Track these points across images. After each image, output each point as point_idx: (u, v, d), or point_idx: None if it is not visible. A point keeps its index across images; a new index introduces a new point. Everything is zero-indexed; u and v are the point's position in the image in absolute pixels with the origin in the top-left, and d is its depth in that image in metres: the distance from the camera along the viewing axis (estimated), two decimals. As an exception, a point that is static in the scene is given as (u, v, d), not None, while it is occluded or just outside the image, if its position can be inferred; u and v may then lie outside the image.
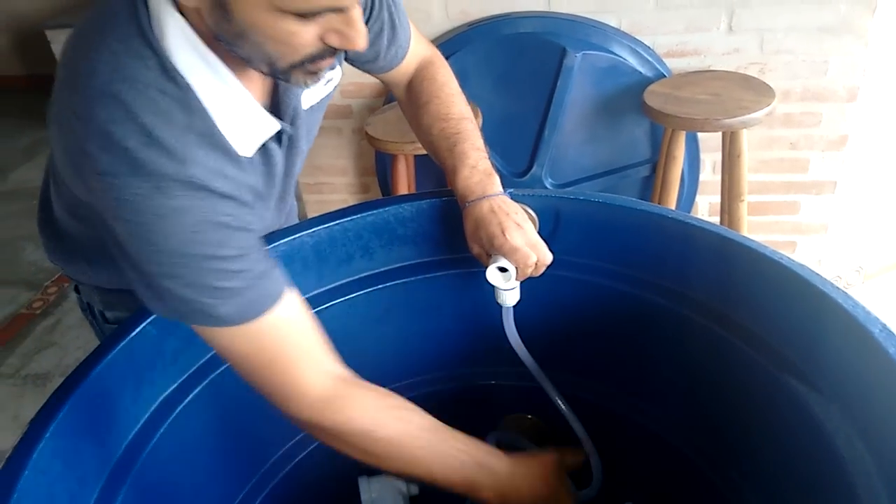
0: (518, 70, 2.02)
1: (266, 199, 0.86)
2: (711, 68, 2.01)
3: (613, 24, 1.98)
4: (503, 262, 0.89)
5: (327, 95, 0.91)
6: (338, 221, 0.98)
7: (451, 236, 0.99)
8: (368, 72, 1.01)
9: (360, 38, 0.66)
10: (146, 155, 0.63)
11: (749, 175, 1.86)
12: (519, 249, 0.86)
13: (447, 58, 2.01)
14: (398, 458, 0.79)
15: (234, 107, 0.71)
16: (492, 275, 0.91)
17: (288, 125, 0.80)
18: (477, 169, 0.92)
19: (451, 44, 2.06)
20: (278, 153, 0.82)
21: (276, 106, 0.80)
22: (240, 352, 0.73)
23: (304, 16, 0.62)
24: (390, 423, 0.78)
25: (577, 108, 2.02)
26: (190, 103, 0.67)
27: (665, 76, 1.98)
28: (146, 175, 0.63)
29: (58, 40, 3.61)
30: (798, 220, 2.26)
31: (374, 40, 0.93)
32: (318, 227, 0.97)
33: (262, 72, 0.70)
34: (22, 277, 2.79)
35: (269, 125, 0.77)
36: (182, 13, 0.66)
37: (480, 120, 1.86)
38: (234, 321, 0.70)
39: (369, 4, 0.89)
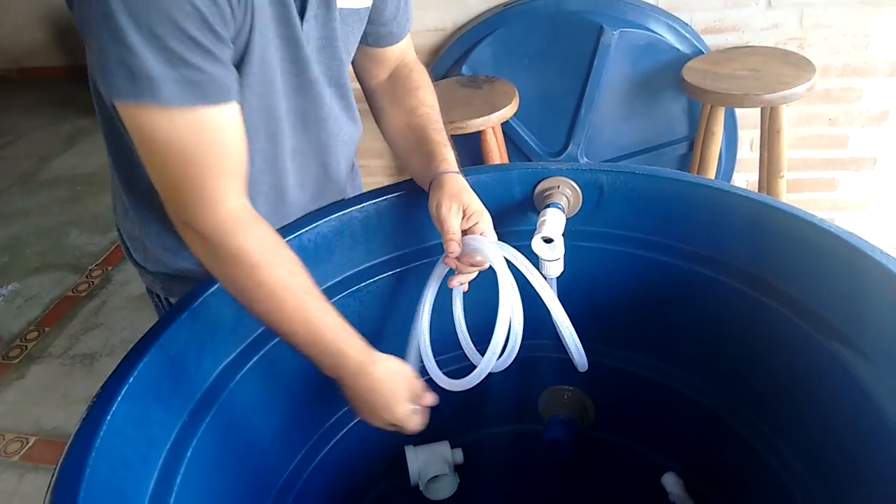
0: (554, 49, 2.02)
1: (295, 58, 0.85)
2: (750, 44, 1.99)
3: (651, 0, 1.97)
4: (548, 232, 0.90)
5: (362, 10, 0.93)
6: (385, 197, 1.01)
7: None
8: (373, 39, 1.01)
9: None
10: None
11: (788, 151, 1.85)
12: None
13: (483, 39, 2.05)
14: (269, 305, 0.80)
15: None
16: (537, 245, 0.92)
17: None
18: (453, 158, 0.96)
19: (488, 24, 2.07)
20: (297, 23, 0.82)
21: None
22: (169, 139, 0.72)
23: None
24: (279, 269, 0.79)
25: (613, 87, 2.02)
26: None
27: (703, 53, 1.96)
28: None
29: (96, 29, 3.68)
30: (837, 196, 2.23)
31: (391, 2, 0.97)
32: (367, 203, 1.00)
33: None
34: (67, 261, 2.87)
35: None
36: None
37: (517, 99, 1.87)
38: (176, 99, 0.69)
39: None
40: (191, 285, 0.89)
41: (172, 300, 1.05)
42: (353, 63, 1.04)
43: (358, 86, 1.07)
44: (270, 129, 0.87)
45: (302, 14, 0.83)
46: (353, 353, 0.83)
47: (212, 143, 0.74)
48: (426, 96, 1.04)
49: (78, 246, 2.96)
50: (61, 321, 2.54)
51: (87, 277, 2.76)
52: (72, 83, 4.68)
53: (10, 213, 3.23)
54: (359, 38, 0.97)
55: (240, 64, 0.78)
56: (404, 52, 1.08)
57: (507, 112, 1.84)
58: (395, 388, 0.86)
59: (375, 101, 1.08)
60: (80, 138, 3.87)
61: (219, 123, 0.73)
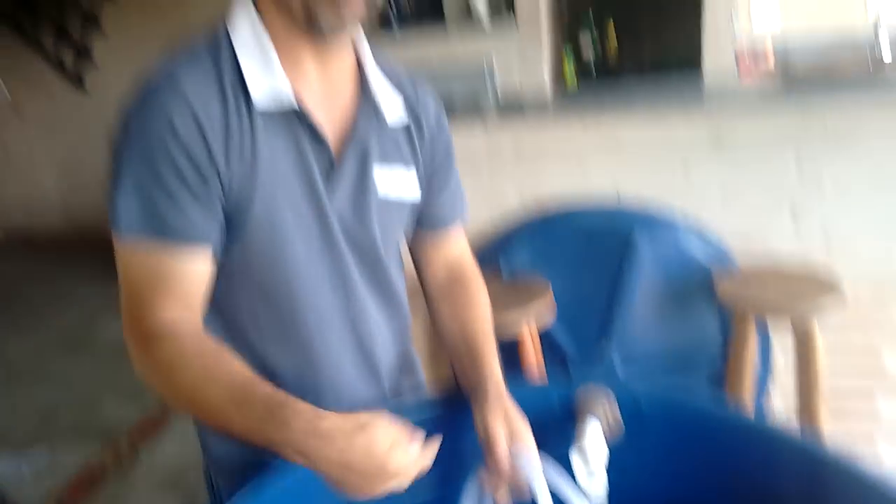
0: (588, 254, 2.10)
1: (321, 219, 0.89)
2: (778, 257, 2.04)
3: (679, 212, 2.07)
4: (586, 444, 0.89)
5: (407, 201, 0.98)
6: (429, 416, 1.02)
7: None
8: (427, 221, 1.05)
9: None
10: (161, 66, 0.83)
11: (825, 376, 1.80)
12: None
13: (520, 240, 2.15)
14: (195, 397, 0.78)
15: (261, 65, 0.84)
16: (575, 458, 0.91)
17: (314, 123, 0.86)
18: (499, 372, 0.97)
19: (524, 226, 2.18)
20: (319, 181, 0.87)
21: (349, 134, 0.90)
22: (120, 267, 0.82)
23: None
24: (196, 362, 0.79)
25: (645, 294, 2.07)
26: (219, 49, 0.84)
27: (732, 265, 2.02)
28: (152, 76, 0.82)
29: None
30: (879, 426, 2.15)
31: (439, 187, 1.03)
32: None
33: (297, 16, 0.81)
34: (98, 431, 2.86)
35: (282, 85, 0.83)
36: (255, 5, 0.86)
37: (552, 299, 1.92)
38: (123, 224, 0.79)
39: (443, 161, 1.02)
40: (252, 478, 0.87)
41: (225, 490, 1.02)
42: (413, 261, 1.08)
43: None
44: (288, 291, 0.89)
45: (330, 184, 0.88)
46: (302, 406, 0.72)
47: (163, 275, 0.80)
48: (482, 310, 1.05)
49: (111, 416, 2.96)
50: (86, 497, 2.48)
51: (115, 451, 2.74)
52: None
53: (51, 375, 3.29)
54: (403, 225, 1.01)
55: (241, 220, 0.84)
56: (461, 253, 1.10)
57: (543, 312, 1.88)
58: (375, 430, 0.71)
59: (431, 301, 1.09)
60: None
61: (175, 260, 0.80)
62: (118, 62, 4.65)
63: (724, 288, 1.84)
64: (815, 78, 2.10)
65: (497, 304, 1.86)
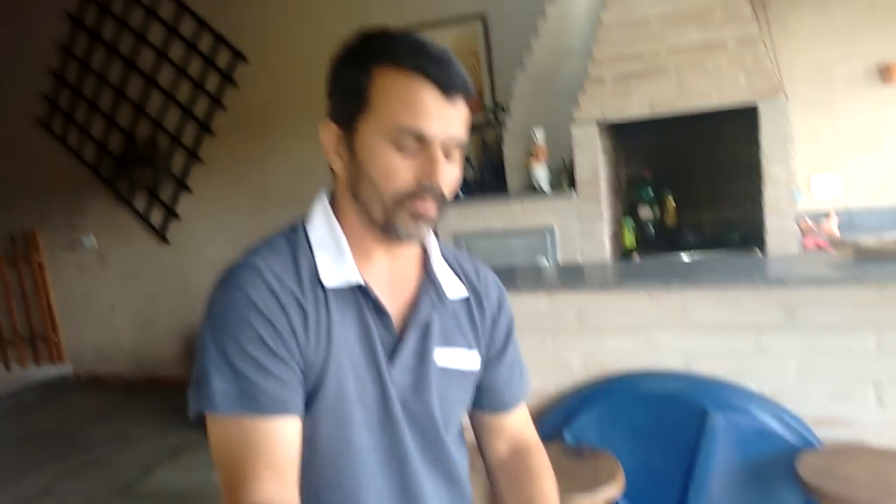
0: (658, 427, 2.04)
1: (382, 399, 0.92)
2: (864, 440, 1.94)
3: (754, 388, 2.01)
4: None
5: (467, 372, 1.01)
6: None
7: None
8: (487, 404, 1.08)
9: (439, 174, 0.86)
10: (243, 259, 0.90)
11: None
12: None
13: (585, 408, 2.11)
14: None
15: (333, 247, 0.92)
16: None
17: (380, 302, 0.92)
18: None
19: (588, 396, 2.15)
20: (382, 356, 0.92)
21: (412, 313, 0.96)
22: (214, 445, 0.84)
23: (399, 146, 0.85)
24: None
25: (723, 473, 1.97)
26: (298, 243, 0.92)
27: (814, 445, 1.93)
28: (235, 266, 0.89)
29: (224, 352, 4.05)
30: None
31: (502, 372, 1.06)
32: None
33: (377, 222, 0.90)
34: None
35: (352, 273, 0.91)
36: (332, 200, 0.96)
37: (623, 477, 1.85)
38: (221, 406, 0.82)
39: (501, 342, 1.07)
40: None
41: None
42: (475, 436, 1.10)
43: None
44: (349, 461, 0.91)
45: (391, 357, 0.93)
46: None
47: (257, 446, 0.82)
48: (545, 485, 1.04)
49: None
50: None
51: None
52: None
53: (102, 524, 3.27)
54: (464, 400, 1.02)
55: (315, 389, 0.87)
56: (522, 427, 1.11)
57: (613, 491, 1.81)
58: None
59: (493, 477, 1.09)
60: (185, 450, 4.02)
61: (268, 431, 0.83)
62: (198, 216, 4.99)
63: (807, 470, 1.75)
64: (887, 251, 2.09)
65: (563, 482, 1.82)
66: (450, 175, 0.89)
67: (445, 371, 0.97)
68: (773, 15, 3.32)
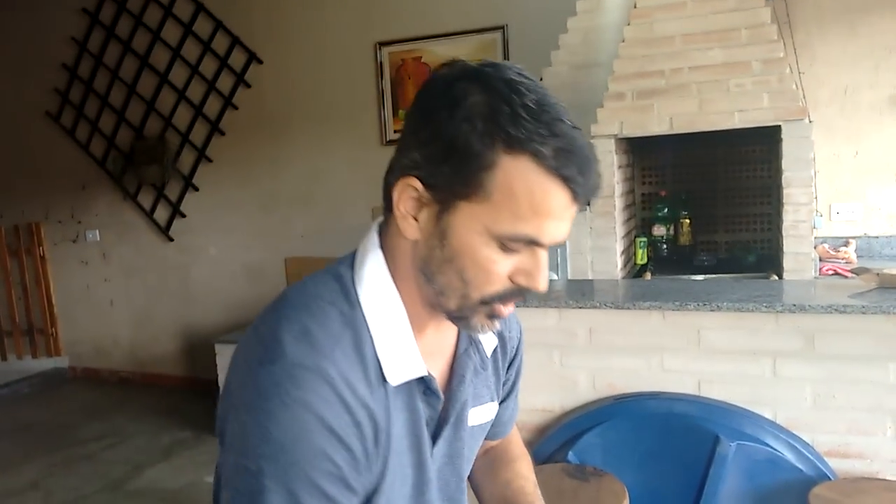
0: (667, 450, 1.97)
1: (420, 481, 0.84)
2: (880, 474, 1.87)
3: (768, 415, 1.95)
4: None
5: (487, 423, 0.97)
6: None
7: None
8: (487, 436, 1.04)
9: (542, 280, 0.74)
10: (294, 348, 0.71)
11: None
12: None
13: (591, 428, 2.04)
14: None
15: (395, 334, 0.77)
16: None
17: (437, 388, 0.82)
18: None
19: (596, 414, 2.08)
20: (427, 451, 0.83)
21: (447, 394, 0.86)
22: None
23: (506, 248, 0.72)
24: None
25: (731, 501, 1.90)
26: (355, 320, 0.76)
27: (828, 476, 1.86)
28: (285, 362, 0.70)
29: (223, 353, 3.99)
30: None
31: (508, 406, 1.04)
32: None
33: (447, 310, 0.77)
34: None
35: (416, 364, 0.79)
36: (386, 251, 0.79)
37: (627, 501, 1.78)
38: None
39: (512, 382, 1.03)
40: None
41: None
42: None
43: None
44: None
45: (435, 439, 0.84)
46: None
47: None
48: (521, 468, 1.06)
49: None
50: None
51: None
52: (184, 393, 4.97)
53: (88, 522, 3.20)
54: (477, 450, 0.99)
55: (372, 495, 0.77)
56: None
57: (617, 517, 1.74)
58: None
59: (473, 475, 1.08)
60: (177, 451, 3.95)
61: None
62: (204, 215, 4.95)
63: (819, 502, 1.68)
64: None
65: (566, 503, 1.75)
66: (547, 276, 0.76)
67: (473, 430, 0.93)
68: (799, 41, 3.27)
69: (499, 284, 0.74)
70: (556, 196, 0.70)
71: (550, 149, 0.68)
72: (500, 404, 1.01)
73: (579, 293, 2.36)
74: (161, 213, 5.08)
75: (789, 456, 1.88)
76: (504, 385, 1.01)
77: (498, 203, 0.70)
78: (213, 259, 4.99)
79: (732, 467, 1.88)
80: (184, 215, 5.00)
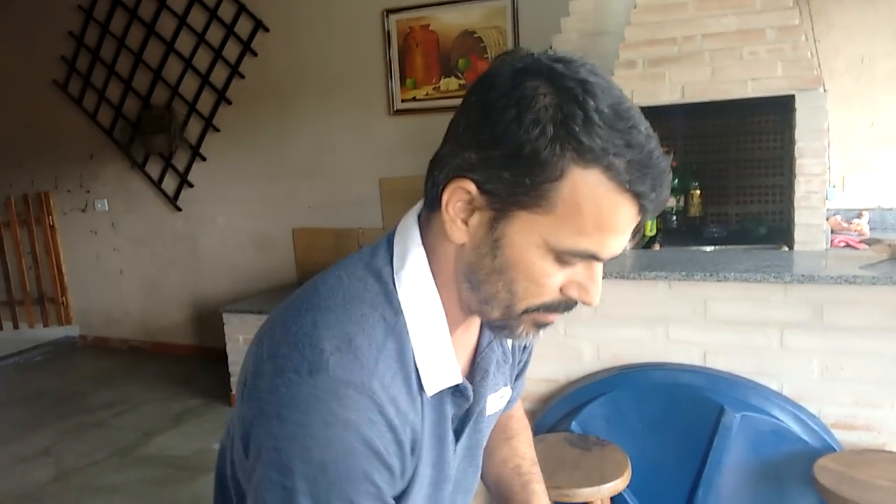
0: (670, 420, 1.97)
1: (439, 478, 0.81)
2: (886, 447, 1.86)
3: (775, 387, 1.93)
4: None
5: (498, 411, 0.94)
6: None
7: None
8: None
9: (596, 294, 0.70)
10: (337, 359, 0.65)
11: None
12: None
13: (595, 398, 2.03)
14: None
15: (435, 343, 0.73)
16: None
17: (470, 393, 0.79)
18: None
19: (601, 384, 2.07)
20: (450, 448, 0.81)
21: (474, 379, 0.83)
22: None
23: (562, 261, 0.67)
24: None
25: (735, 472, 1.90)
26: (397, 327, 0.70)
27: (834, 448, 1.85)
28: (329, 377, 0.64)
29: (231, 322, 4.01)
30: None
31: (519, 375, 1.01)
32: None
33: (490, 319, 0.73)
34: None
35: (453, 373, 0.76)
36: (428, 249, 0.74)
37: (629, 471, 1.78)
38: None
39: (523, 364, 1.01)
40: None
41: None
42: None
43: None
44: None
45: (458, 436, 0.82)
46: None
47: None
48: (520, 445, 1.04)
49: (150, 535, 2.87)
50: None
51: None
52: (195, 363, 5.01)
53: (97, 487, 3.24)
54: (489, 432, 0.97)
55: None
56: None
57: (619, 485, 1.74)
58: None
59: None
60: (186, 418, 3.99)
61: None
62: (211, 184, 4.94)
63: (825, 473, 1.67)
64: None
65: (568, 473, 1.75)
66: (600, 290, 0.72)
67: (489, 418, 0.91)
68: (815, 8, 3.19)
69: (549, 297, 0.70)
70: (624, 211, 0.65)
71: (624, 162, 0.63)
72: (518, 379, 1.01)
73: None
74: (169, 183, 5.07)
75: (795, 427, 1.87)
76: (517, 365, 0.99)
77: (561, 216, 0.65)
78: (221, 229, 4.99)
79: (737, 438, 1.87)
80: (191, 185, 5.00)
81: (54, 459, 3.55)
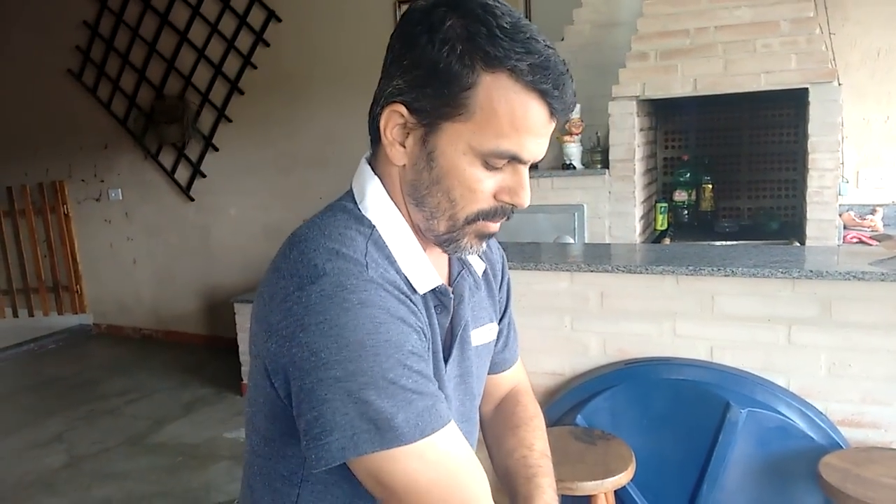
0: (676, 416, 1.96)
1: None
2: (893, 444, 1.84)
3: (781, 383, 1.92)
4: None
5: (490, 343, 0.99)
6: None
7: None
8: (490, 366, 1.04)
9: (526, 197, 0.78)
10: (331, 265, 0.72)
11: None
12: None
13: (600, 392, 2.03)
14: None
15: (409, 248, 0.81)
16: None
17: (450, 298, 0.85)
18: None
19: (606, 378, 2.06)
20: (443, 367, 0.85)
21: (454, 302, 0.87)
22: (410, 479, 0.71)
23: (489, 165, 0.75)
24: None
25: (740, 468, 1.89)
26: (373, 237, 0.78)
27: (840, 446, 1.83)
28: (330, 278, 0.71)
29: (242, 312, 4.04)
30: None
31: (502, 331, 1.04)
32: None
33: (437, 234, 0.80)
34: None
35: (434, 276, 0.82)
36: (380, 179, 0.82)
37: (634, 464, 1.77)
38: (410, 435, 0.69)
39: (504, 303, 1.03)
40: None
41: None
42: None
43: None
44: None
45: (447, 357, 0.87)
46: None
47: (455, 470, 0.74)
48: (527, 435, 1.02)
49: (160, 522, 2.91)
50: None
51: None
52: (206, 352, 5.06)
53: (109, 473, 3.28)
54: (486, 374, 1.00)
55: None
56: (509, 382, 1.10)
57: (623, 479, 1.73)
58: None
59: (484, 435, 1.08)
60: (197, 407, 4.03)
61: (451, 448, 0.74)
62: (224, 174, 4.97)
63: (830, 471, 1.66)
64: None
65: (573, 466, 1.75)
66: (529, 193, 0.79)
67: (478, 350, 0.95)
68: (831, 0, 3.15)
69: (484, 202, 0.78)
70: (534, 111, 0.73)
71: (526, 65, 0.71)
72: (499, 332, 1.03)
73: (593, 256, 2.33)
74: (182, 173, 5.10)
75: (801, 424, 1.85)
76: (499, 303, 1.03)
77: (480, 121, 0.73)
78: (233, 219, 5.02)
79: (743, 434, 1.86)
80: (204, 175, 5.02)
81: (67, 446, 3.60)
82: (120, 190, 5.42)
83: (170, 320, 5.41)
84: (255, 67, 4.65)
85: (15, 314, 5.85)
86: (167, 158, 5.13)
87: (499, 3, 0.74)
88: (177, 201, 5.19)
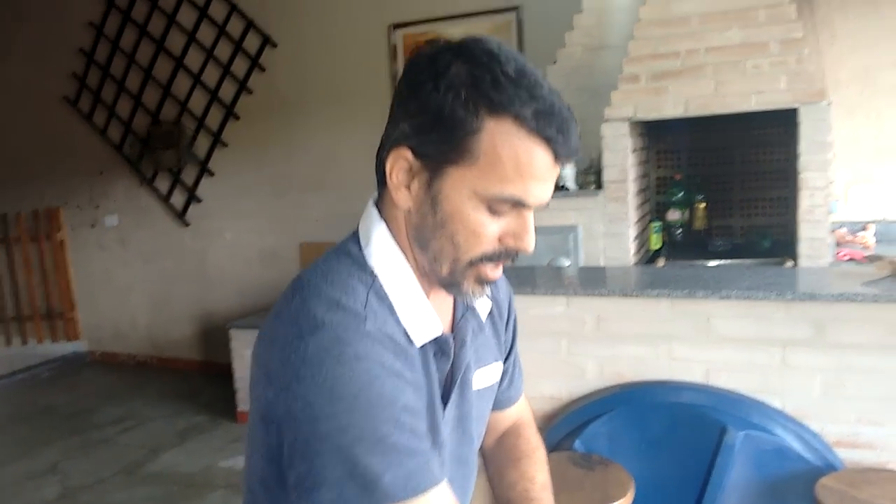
0: (673, 439, 1.95)
1: (434, 442, 0.83)
2: (889, 465, 1.83)
3: (777, 405, 1.91)
4: None
5: (494, 385, 0.98)
6: None
7: None
8: (494, 403, 1.04)
9: (530, 241, 0.78)
10: (330, 317, 0.72)
11: None
12: None
13: (598, 416, 2.02)
14: None
15: (411, 298, 0.80)
16: None
17: (451, 346, 0.85)
18: None
19: (603, 402, 2.06)
20: (440, 412, 0.85)
21: (456, 345, 0.87)
22: None
23: (494, 210, 0.75)
24: None
25: (737, 491, 1.88)
26: (375, 286, 0.78)
27: (836, 467, 1.82)
28: (327, 330, 0.71)
29: (238, 338, 4.02)
30: None
31: (507, 371, 1.03)
32: None
33: (440, 276, 0.80)
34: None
35: (435, 325, 0.82)
36: (386, 223, 0.82)
37: (633, 491, 1.76)
38: (397, 495, 0.68)
39: (510, 342, 1.03)
40: None
41: None
42: None
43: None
44: None
45: (445, 401, 0.86)
46: None
47: None
48: (528, 468, 1.03)
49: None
50: None
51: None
52: (201, 378, 5.03)
53: None
54: (488, 414, 1.00)
55: None
56: (512, 415, 1.11)
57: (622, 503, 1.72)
58: None
59: (486, 467, 1.08)
60: (192, 435, 4.00)
61: (446, 500, 0.74)
62: (219, 199, 4.98)
63: (826, 492, 1.65)
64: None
65: (572, 492, 1.74)
66: (534, 238, 0.79)
67: (480, 392, 0.94)
68: (819, 19, 3.19)
69: (488, 246, 0.77)
70: (538, 157, 0.73)
71: (531, 111, 0.72)
72: (503, 369, 1.02)
73: (589, 280, 2.33)
74: (177, 198, 5.11)
75: (797, 446, 1.85)
76: (504, 344, 1.03)
77: (484, 166, 0.73)
78: (229, 244, 5.02)
79: (739, 457, 1.85)
80: (199, 200, 5.03)
81: (61, 477, 3.56)
82: (115, 216, 5.42)
83: (165, 346, 5.39)
84: (251, 92, 4.68)
85: (8, 342, 5.81)
86: (163, 184, 5.14)
87: (503, 49, 0.74)
88: (172, 227, 5.19)
